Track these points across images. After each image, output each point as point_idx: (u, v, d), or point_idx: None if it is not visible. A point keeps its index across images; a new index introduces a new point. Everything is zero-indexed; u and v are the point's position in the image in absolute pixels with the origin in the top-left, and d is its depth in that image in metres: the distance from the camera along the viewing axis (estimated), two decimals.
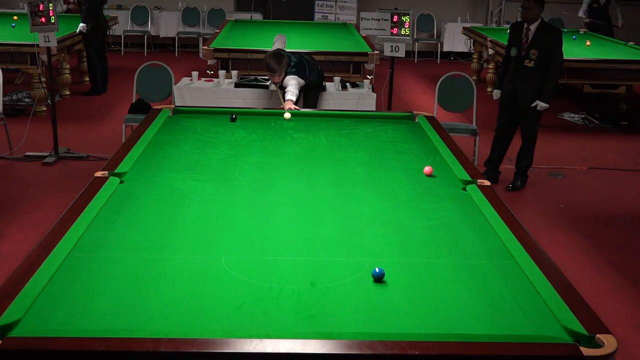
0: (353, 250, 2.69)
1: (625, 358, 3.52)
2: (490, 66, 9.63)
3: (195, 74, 6.39)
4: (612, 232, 5.18)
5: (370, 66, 7.06)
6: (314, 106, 5.90)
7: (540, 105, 5.69)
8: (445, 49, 12.34)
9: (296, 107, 5.10)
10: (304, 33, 8.71)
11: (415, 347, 1.99)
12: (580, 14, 10.72)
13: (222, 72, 6.44)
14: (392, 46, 6.08)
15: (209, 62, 6.98)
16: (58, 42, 6.66)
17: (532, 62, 5.67)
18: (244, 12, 11.99)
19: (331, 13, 12.11)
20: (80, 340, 1.98)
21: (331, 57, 7.09)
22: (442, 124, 4.77)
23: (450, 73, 6.56)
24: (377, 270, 2.41)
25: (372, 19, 6.19)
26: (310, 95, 5.94)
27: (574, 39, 9.45)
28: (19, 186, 5.65)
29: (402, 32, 6.04)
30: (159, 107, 4.81)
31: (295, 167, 3.71)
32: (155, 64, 6.45)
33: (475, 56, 10.46)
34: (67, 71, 8.50)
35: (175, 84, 6.31)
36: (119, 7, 12.07)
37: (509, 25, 6.67)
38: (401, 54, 6.12)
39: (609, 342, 2.04)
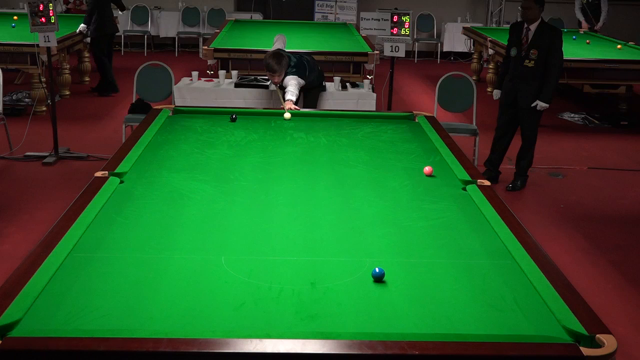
0: (353, 250, 2.69)
1: (625, 358, 3.52)
2: (490, 66, 9.63)
3: (195, 74, 6.39)
4: (612, 232, 5.18)
5: (370, 66, 7.06)
6: (314, 106, 5.90)
7: (540, 105, 5.69)
8: (445, 49, 12.34)
9: (296, 107, 5.10)
10: (304, 33, 8.71)
11: (415, 347, 1.99)
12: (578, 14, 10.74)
13: (222, 72, 6.44)
14: (392, 46, 6.09)
15: (209, 62, 6.98)
16: (58, 42, 6.66)
17: (532, 62, 5.67)
18: (244, 12, 11.99)
19: (331, 13, 12.11)
20: (80, 340, 1.98)
21: (331, 57, 7.09)
22: (442, 124, 4.77)
23: (450, 73, 6.56)
24: (377, 270, 2.42)
25: (372, 19, 6.19)
26: (310, 95, 5.94)
27: (574, 39, 9.45)
28: (19, 186, 5.65)
29: (402, 32, 6.05)
30: (159, 107, 4.81)
31: (295, 167, 3.71)
32: (155, 64, 6.45)
33: (475, 56, 10.45)
34: (67, 71, 8.50)
35: (175, 84, 6.31)
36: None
37: (509, 25, 6.67)
38: (401, 54, 6.12)
39: (609, 342, 2.04)
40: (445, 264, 2.59)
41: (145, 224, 2.87)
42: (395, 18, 6.03)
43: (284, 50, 5.82)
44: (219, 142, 4.11)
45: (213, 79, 6.47)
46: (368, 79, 6.75)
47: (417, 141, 4.27)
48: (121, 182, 3.33)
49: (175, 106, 5.02)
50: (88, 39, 8.69)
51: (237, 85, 6.23)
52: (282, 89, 5.53)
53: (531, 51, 5.66)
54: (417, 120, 4.75)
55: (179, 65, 9.97)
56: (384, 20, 6.10)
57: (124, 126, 6.18)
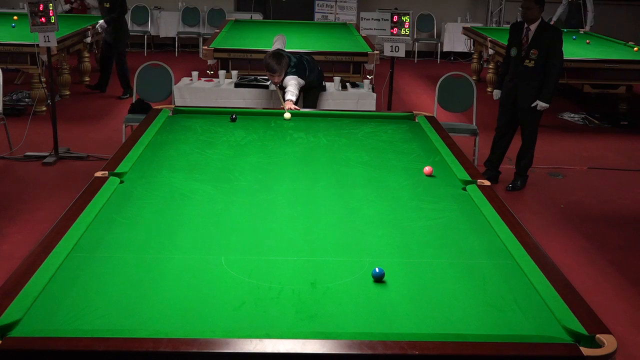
0: (353, 250, 2.69)
1: (625, 358, 3.52)
2: (490, 66, 9.63)
3: (195, 74, 6.39)
4: (612, 232, 5.17)
5: (370, 66, 7.06)
6: (314, 106, 5.90)
7: (541, 105, 5.69)
8: (445, 49, 12.34)
9: (296, 107, 5.10)
10: (304, 33, 8.71)
11: (415, 347, 1.99)
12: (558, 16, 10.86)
13: (222, 72, 6.44)
14: (392, 46, 6.09)
15: (209, 62, 6.98)
16: (58, 42, 6.65)
17: (532, 62, 5.67)
18: (244, 12, 11.99)
19: (331, 13, 12.11)
20: (80, 340, 1.98)
21: (331, 57, 7.09)
22: (442, 124, 4.77)
23: (450, 73, 6.56)
24: (377, 270, 2.42)
25: (372, 19, 6.19)
26: (310, 95, 5.94)
27: (574, 39, 9.45)
28: (19, 186, 5.64)
29: (402, 32, 6.04)
30: (159, 107, 4.81)
31: (295, 167, 3.71)
32: (155, 64, 6.45)
33: (475, 56, 10.45)
34: (67, 71, 8.50)
35: (175, 84, 6.30)
36: None
37: (509, 25, 6.67)
38: (401, 54, 6.12)
39: (609, 342, 2.04)
40: (445, 264, 2.59)
41: (145, 224, 2.87)
42: (395, 18, 6.03)
43: (284, 50, 5.83)
44: (219, 142, 4.11)
45: (213, 79, 6.47)
46: (368, 79, 6.75)
47: (417, 141, 4.27)
48: (121, 182, 3.33)
49: (175, 106, 5.02)
50: (88, 39, 8.68)
51: (237, 85, 6.23)
52: (282, 89, 5.53)
53: (531, 51, 5.66)
54: (417, 120, 4.75)
55: (179, 65, 9.97)
56: (384, 20, 6.10)
57: (124, 126, 6.18)
